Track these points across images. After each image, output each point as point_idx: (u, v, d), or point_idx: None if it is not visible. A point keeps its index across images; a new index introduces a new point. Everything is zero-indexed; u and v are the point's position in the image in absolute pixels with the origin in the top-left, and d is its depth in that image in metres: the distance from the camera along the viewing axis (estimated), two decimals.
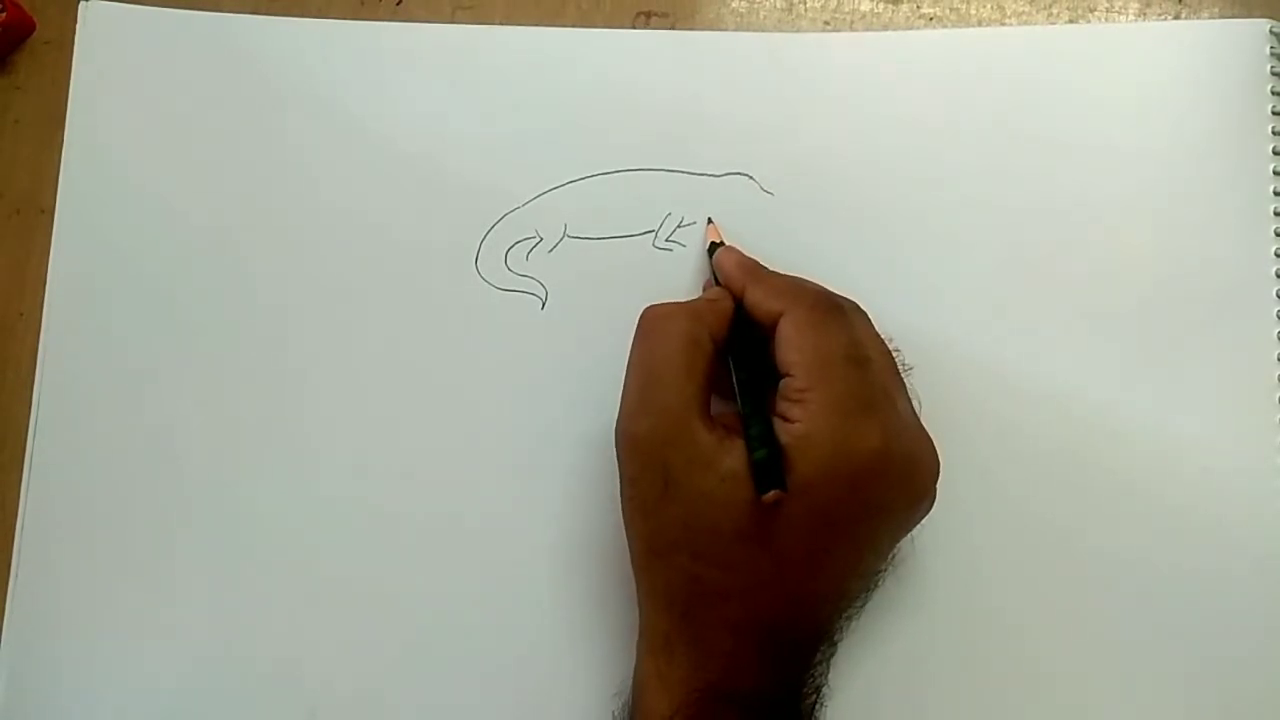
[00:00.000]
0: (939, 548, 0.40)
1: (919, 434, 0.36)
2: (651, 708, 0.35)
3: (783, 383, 0.35)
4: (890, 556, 0.38)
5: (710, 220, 0.43)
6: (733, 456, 0.34)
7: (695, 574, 0.35)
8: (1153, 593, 0.40)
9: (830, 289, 0.38)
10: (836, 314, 0.36)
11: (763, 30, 0.46)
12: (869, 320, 0.37)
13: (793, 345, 0.35)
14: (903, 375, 0.37)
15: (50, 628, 0.41)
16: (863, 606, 0.38)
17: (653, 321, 0.37)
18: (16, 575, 0.41)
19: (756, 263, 0.39)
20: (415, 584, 0.41)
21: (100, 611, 0.41)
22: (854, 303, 0.37)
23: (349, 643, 0.40)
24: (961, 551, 0.40)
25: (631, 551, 0.37)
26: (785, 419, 0.35)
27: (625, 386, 0.37)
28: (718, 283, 0.40)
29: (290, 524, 0.41)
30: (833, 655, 0.37)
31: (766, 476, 0.34)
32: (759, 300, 0.37)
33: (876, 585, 0.38)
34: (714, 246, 0.41)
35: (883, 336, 0.37)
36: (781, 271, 0.39)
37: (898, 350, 0.38)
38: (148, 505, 0.41)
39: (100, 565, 0.41)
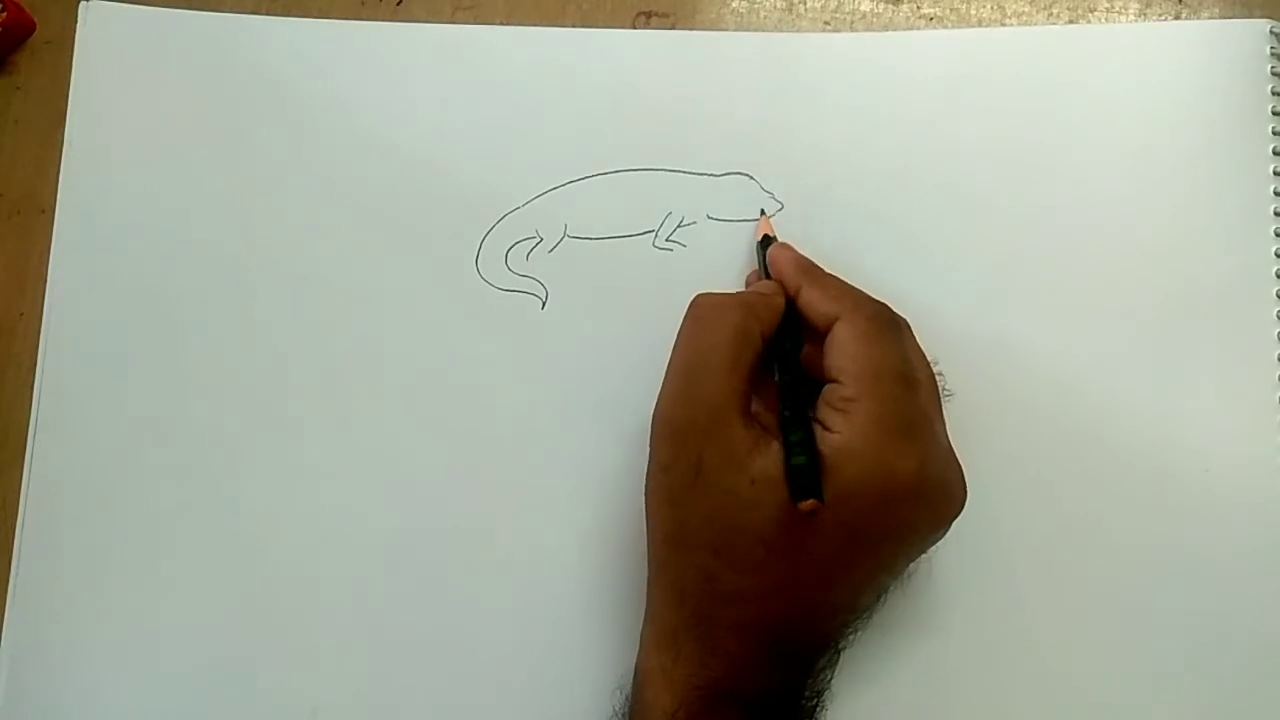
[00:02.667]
0: (945, 558, 0.39)
1: (953, 463, 0.36)
2: (654, 703, 0.35)
3: (828, 388, 0.35)
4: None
5: (764, 212, 0.43)
6: (766, 458, 0.34)
7: (712, 572, 0.34)
8: (1156, 594, 0.40)
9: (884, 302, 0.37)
10: (893, 329, 0.36)
11: (763, 30, 0.46)
12: (915, 341, 0.37)
13: (846, 353, 0.35)
14: (942, 401, 0.37)
15: (50, 628, 0.40)
16: (869, 618, 0.38)
17: (704, 309, 0.37)
18: (16, 575, 0.41)
19: (813, 263, 0.39)
20: (416, 582, 0.41)
21: (100, 611, 0.41)
22: (905, 320, 0.37)
23: (350, 641, 0.40)
24: (967, 562, 0.40)
25: (650, 540, 0.36)
26: (826, 427, 0.34)
27: (669, 371, 0.36)
28: (766, 276, 0.40)
29: (290, 523, 0.41)
30: (836, 661, 0.37)
31: (804, 485, 0.33)
32: (815, 302, 0.37)
33: (884, 598, 0.38)
34: (766, 240, 0.41)
35: (929, 359, 0.37)
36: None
37: (941, 375, 0.37)
38: (148, 505, 0.41)
39: (100, 565, 0.41)
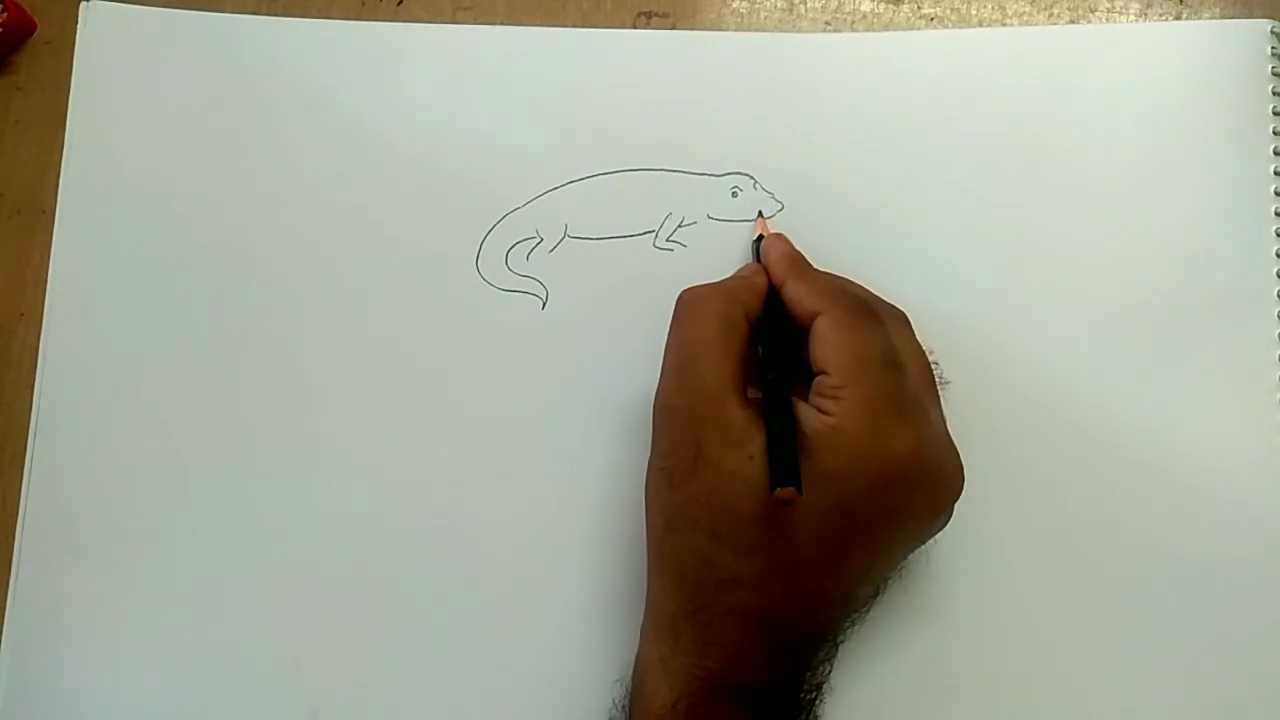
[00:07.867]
0: (944, 552, 0.39)
1: (949, 447, 0.36)
2: (653, 694, 0.35)
3: (817, 381, 0.36)
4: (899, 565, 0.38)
5: (760, 214, 0.43)
6: (764, 436, 0.35)
7: (709, 556, 0.35)
8: (1155, 594, 0.40)
9: (877, 294, 0.38)
10: (872, 318, 0.36)
11: (763, 30, 0.46)
12: (910, 330, 0.37)
13: (828, 344, 0.36)
14: (938, 389, 0.37)
15: (50, 628, 0.40)
16: (867, 611, 0.38)
17: (690, 304, 0.38)
18: (16, 575, 0.41)
19: (801, 257, 0.40)
20: (415, 582, 0.41)
21: (100, 612, 0.41)
22: (900, 311, 0.38)
23: (350, 642, 0.40)
24: (965, 555, 0.40)
25: (650, 528, 0.37)
26: (820, 411, 0.35)
27: (664, 365, 0.37)
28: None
29: (290, 523, 0.41)
30: (834, 655, 0.37)
31: (781, 473, 0.34)
32: (798, 296, 0.37)
33: (882, 591, 0.38)
34: (760, 240, 0.41)
35: (924, 349, 0.37)
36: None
37: (936, 364, 0.38)
38: (148, 505, 0.41)
39: (101, 565, 0.41)
